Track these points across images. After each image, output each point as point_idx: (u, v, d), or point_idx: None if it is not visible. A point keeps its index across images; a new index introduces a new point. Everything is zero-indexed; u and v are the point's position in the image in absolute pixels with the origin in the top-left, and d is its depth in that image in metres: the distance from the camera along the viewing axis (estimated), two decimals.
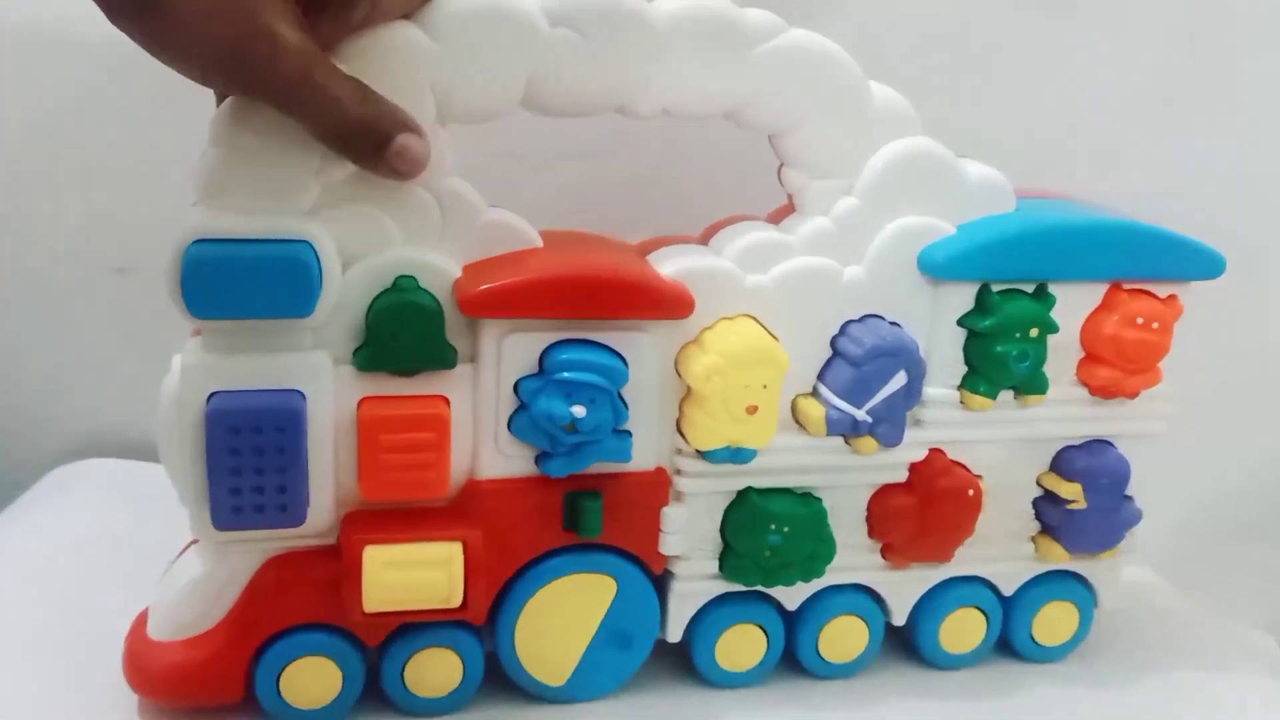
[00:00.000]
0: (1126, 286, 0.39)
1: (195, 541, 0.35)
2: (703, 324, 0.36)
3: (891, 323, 0.37)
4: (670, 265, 0.36)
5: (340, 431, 0.33)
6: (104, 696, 0.36)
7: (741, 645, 0.39)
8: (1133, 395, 0.40)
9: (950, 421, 0.38)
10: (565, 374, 0.33)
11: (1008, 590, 0.42)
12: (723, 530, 0.38)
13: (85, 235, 0.52)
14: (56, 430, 0.55)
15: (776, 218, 0.38)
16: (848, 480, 0.38)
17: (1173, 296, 0.39)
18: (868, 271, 0.37)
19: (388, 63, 0.32)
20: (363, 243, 0.33)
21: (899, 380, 0.37)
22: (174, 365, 0.33)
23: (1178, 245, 0.39)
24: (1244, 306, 0.48)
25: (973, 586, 0.41)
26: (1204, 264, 0.39)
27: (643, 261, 0.36)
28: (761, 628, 0.39)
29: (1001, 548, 0.41)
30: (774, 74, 0.35)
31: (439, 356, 0.34)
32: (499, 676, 0.38)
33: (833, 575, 0.39)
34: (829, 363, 0.37)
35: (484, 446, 0.35)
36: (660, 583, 0.38)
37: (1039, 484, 0.41)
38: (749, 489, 0.37)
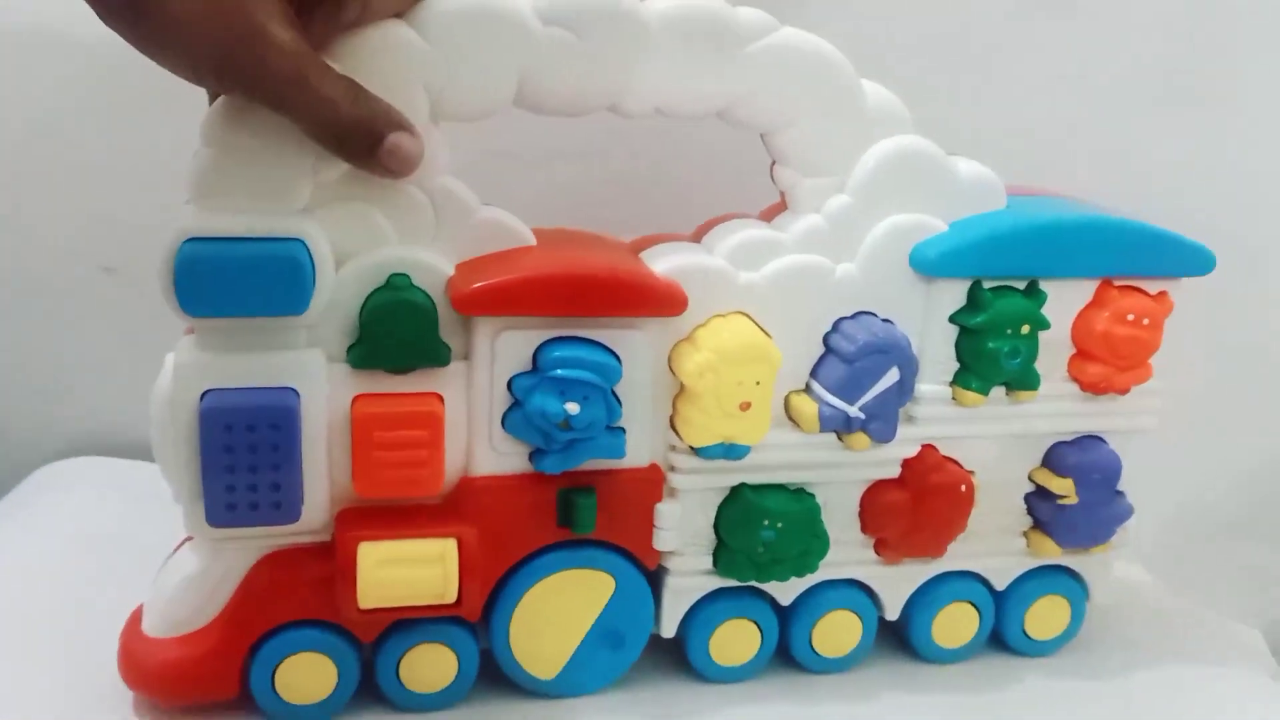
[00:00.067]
0: (1117, 283, 0.39)
1: (189, 539, 0.35)
2: (696, 321, 0.36)
3: (884, 319, 0.37)
4: (663, 263, 0.36)
5: (334, 429, 0.34)
6: (97, 693, 0.36)
7: (735, 640, 0.40)
8: (1124, 391, 0.40)
9: (942, 418, 0.39)
10: (559, 371, 0.34)
11: (1000, 585, 0.42)
12: (716, 526, 0.38)
13: (73, 234, 0.52)
14: (44, 428, 0.55)
15: (769, 215, 0.38)
16: (841, 476, 0.38)
17: (1163, 293, 0.39)
18: (860, 269, 0.37)
19: (380, 62, 0.32)
20: (356, 241, 0.33)
21: (891, 377, 0.37)
22: (167, 363, 0.33)
23: (1168, 242, 0.39)
24: (1233, 304, 0.48)
25: (965, 581, 0.41)
26: (1194, 261, 0.39)
27: (636, 259, 0.36)
28: (755, 623, 0.40)
29: (994, 543, 0.41)
30: (766, 73, 0.35)
31: (433, 354, 0.34)
32: (494, 672, 0.38)
33: (826, 570, 0.39)
34: (822, 359, 0.37)
35: (478, 444, 0.35)
36: (655, 580, 0.38)
37: (1031, 479, 0.41)
38: (742, 485, 0.38)
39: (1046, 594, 0.42)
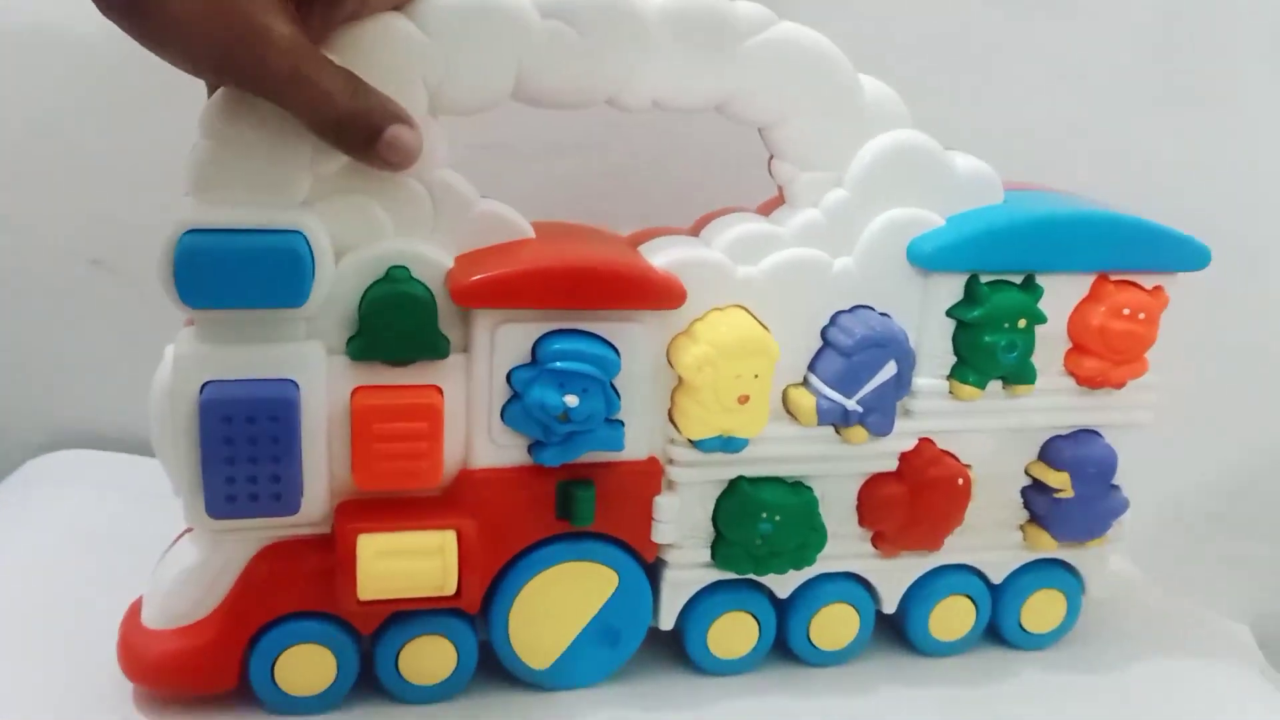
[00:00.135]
0: (1113, 278, 0.39)
1: (189, 530, 0.36)
2: (694, 315, 0.36)
3: (881, 313, 0.38)
4: (661, 256, 0.36)
5: (333, 421, 0.34)
6: (92, 686, 0.36)
7: (734, 633, 0.40)
8: (1119, 385, 0.40)
9: (940, 411, 0.39)
10: (558, 364, 0.34)
11: (996, 578, 0.42)
12: (715, 519, 0.38)
13: (63, 228, 0.52)
14: (33, 422, 0.54)
15: (766, 210, 0.39)
16: (838, 469, 0.39)
17: (1159, 288, 0.39)
18: (857, 263, 0.37)
19: (379, 55, 0.32)
20: (355, 233, 0.33)
21: (889, 370, 0.37)
22: (167, 355, 0.33)
23: (1164, 237, 0.39)
24: (1228, 302, 0.48)
25: (962, 575, 0.42)
26: (1189, 256, 0.39)
27: (634, 253, 0.37)
28: (753, 615, 0.40)
29: (990, 536, 0.41)
30: (764, 67, 0.35)
31: (432, 346, 0.34)
32: (493, 665, 0.38)
33: (824, 563, 0.39)
34: (819, 353, 0.38)
35: (477, 436, 0.35)
36: (653, 573, 0.39)
37: (1027, 473, 0.41)
38: (740, 478, 0.38)
39: (1043, 588, 0.43)
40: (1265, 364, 0.55)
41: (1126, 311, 0.39)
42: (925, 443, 0.39)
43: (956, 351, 0.39)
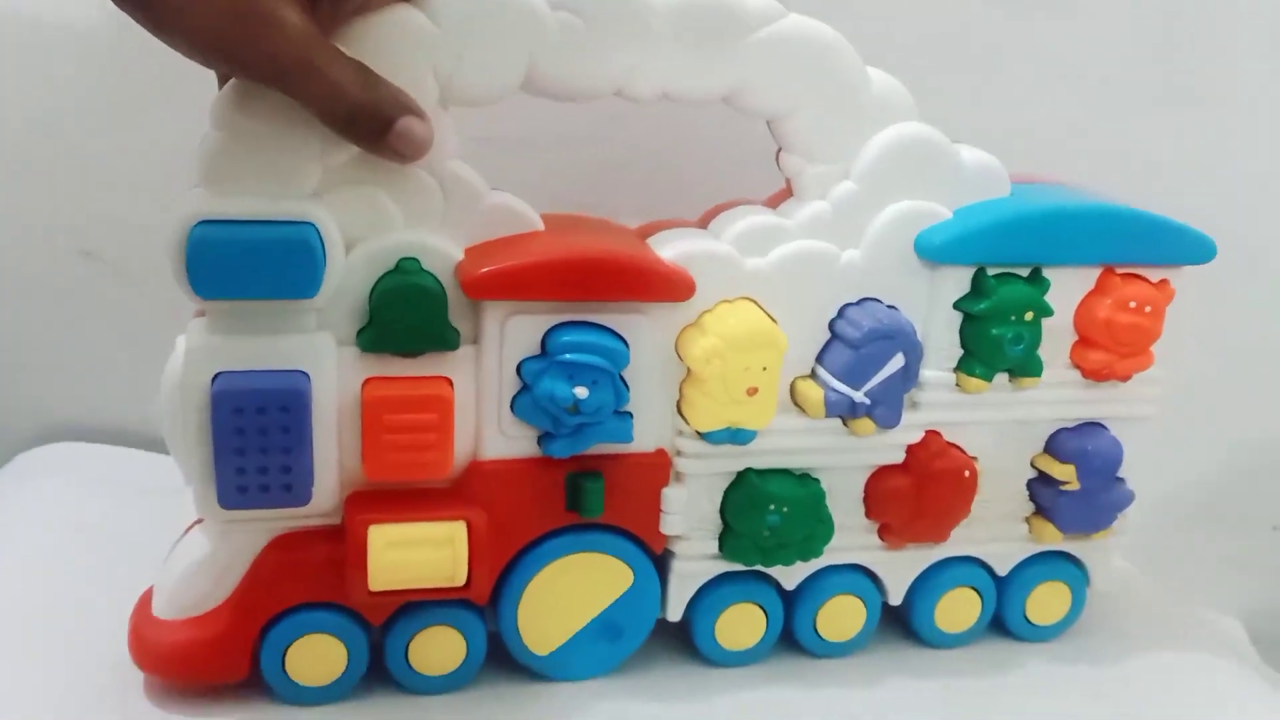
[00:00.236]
0: (1120, 271, 0.39)
1: (199, 521, 0.36)
2: (703, 307, 0.36)
3: (889, 306, 0.38)
4: (671, 249, 0.36)
5: (344, 412, 0.34)
6: (91, 681, 0.36)
7: (741, 624, 0.40)
8: (1125, 378, 0.40)
9: (946, 404, 0.39)
10: (568, 355, 0.34)
11: (1002, 570, 0.42)
12: (722, 511, 0.38)
13: (52, 220, 0.51)
14: (24, 414, 0.54)
15: (774, 202, 0.39)
16: (845, 461, 0.39)
17: (1165, 281, 0.40)
18: (865, 255, 0.37)
19: (389, 46, 0.32)
20: (365, 225, 0.33)
21: (896, 362, 0.37)
22: (178, 346, 0.33)
23: (1170, 230, 0.39)
24: (1223, 300, 0.48)
25: (968, 567, 0.42)
26: (1195, 249, 0.39)
27: (643, 245, 0.37)
28: (761, 607, 0.40)
29: (996, 528, 0.41)
30: (772, 59, 0.35)
31: (442, 338, 0.34)
32: (502, 656, 0.38)
33: (830, 555, 0.39)
34: (827, 345, 0.38)
35: (487, 427, 0.35)
36: (661, 565, 0.39)
37: (1033, 466, 0.41)
38: (748, 470, 0.38)
39: (1048, 580, 0.43)
40: (1258, 361, 0.55)
41: (1133, 304, 0.39)
42: (932, 435, 0.39)
43: (963, 344, 0.39)
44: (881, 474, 0.39)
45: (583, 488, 0.36)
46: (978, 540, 0.41)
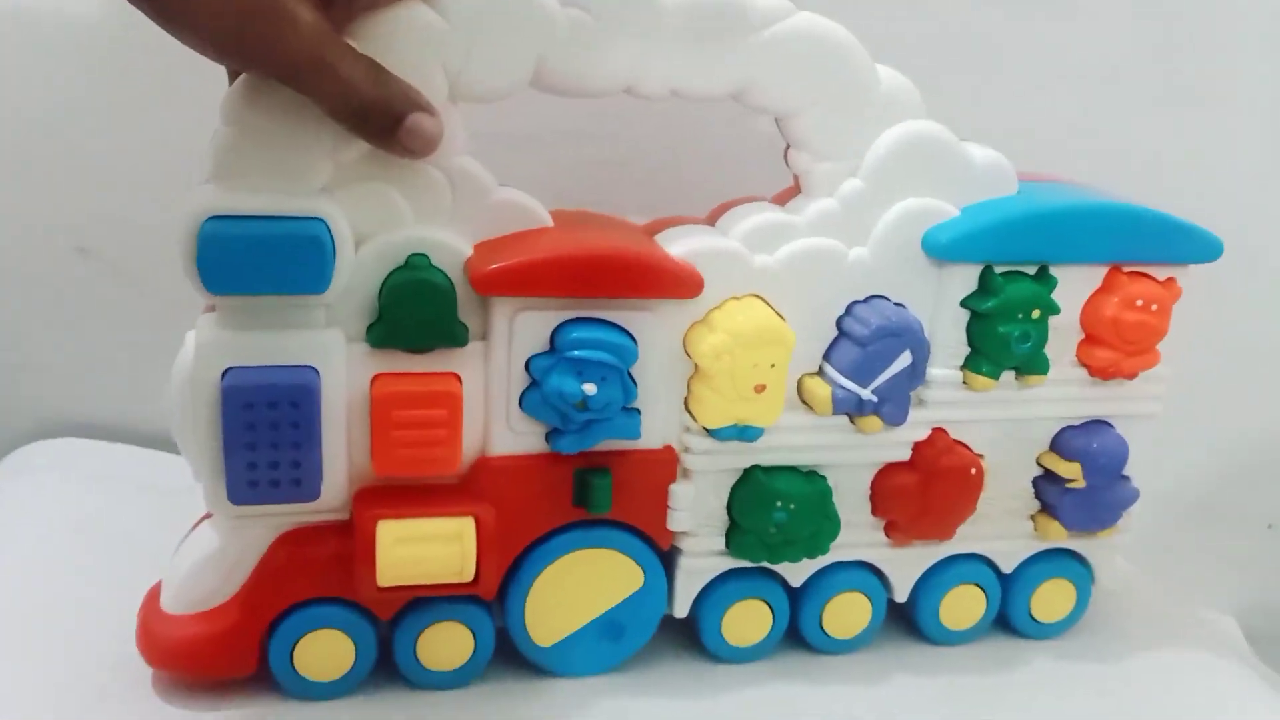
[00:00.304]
0: (1126, 269, 0.39)
1: (207, 516, 0.36)
2: (711, 304, 0.36)
3: (896, 303, 0.38)
4: (679, 245, 0.36)
5: (353, 408, 0.34)
6: (80, 671, 0.36)
7: (747, 620, 0.40)
8: (1131, 376, 0.40)
9: (953, 401, 0.39)
10: (577, 352, 0.34)
11: (1007, 568, 0.42)
12: (729, 507, 0.38)
13: (47, 216, 0.51)
14: (21, 410, 0.54)
15: (782, 199, 0.39)
16: (852, 459, 0.39)
17: (1171, 279, 0.40)
18: (873, 253, 0.37)
19: (400, 42, 0.32)
20: (375, 221, 0.33)
21: (904, 360, 0.37)
22: (188, 341, 0.33)
23: (1177, 229, 0.39)
24: (1220, 298, 0.48)
25: (973, 564, 0.42)
26: (1202, 247, 0.39)
27: (652, 242, 0.37)
28: (767, 603, 0.40)
29: (1001, 526, 0.42)
30: (781, 57, 0.35)
31: (451, 334, 0.34)
32: (510, 651, 0.38)
33: (837, 552, 0.39)
34: (835, 343, 0.38)
35: (495, 423, 0.35)
36: (668, 562, 0.39)
37: (1039, 463, 0.41)
38: (755, 467, 0.38)
39: (1052, 577, 0.43)
40: (1254, 360, 0.55)
41: (1139, 303, 0.39)
42: (938, 432, 0.39)
43: (970, 342, 0.39)
44: (888, 471, 0.39)
45: (590, 484, 0.36)
46: (983, 537, 0.42)
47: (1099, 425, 0.41)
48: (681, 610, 0.39)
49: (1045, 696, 0.40)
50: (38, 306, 0.53)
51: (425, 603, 0.36)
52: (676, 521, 0.38)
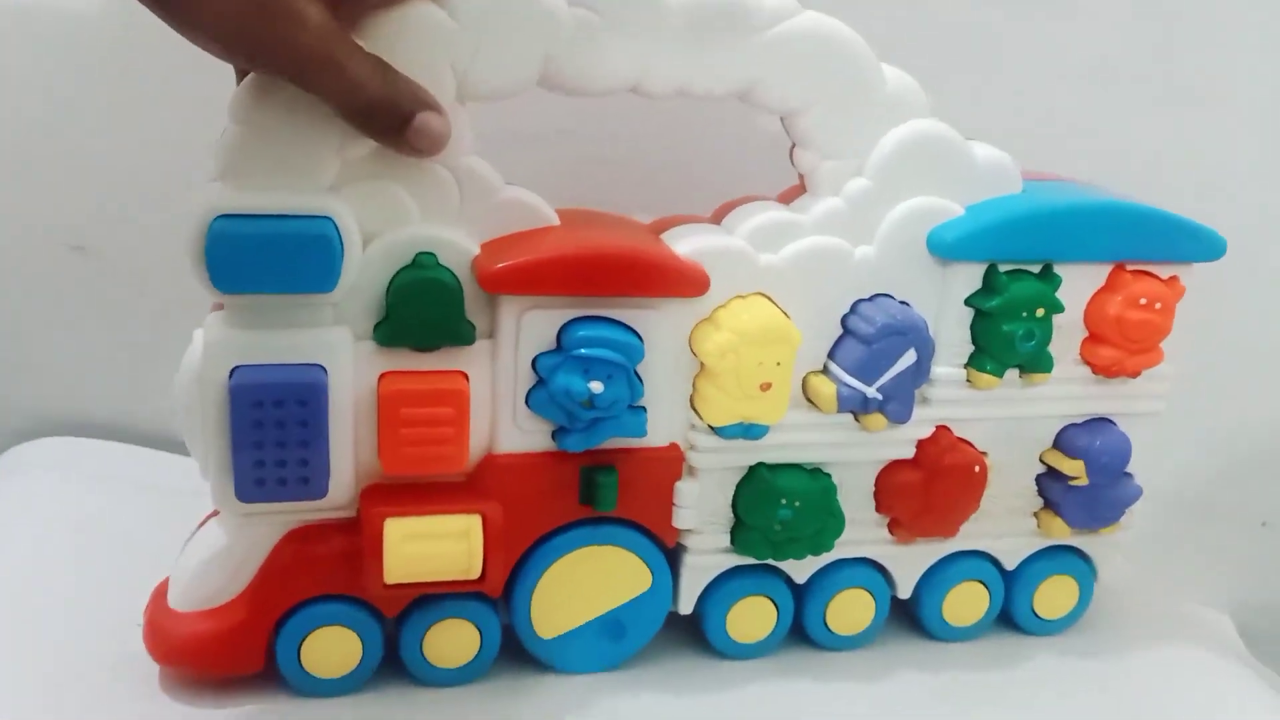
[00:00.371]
0: (1130, 268, 0.39)
1: (214, 513, 0.36)
2: (716, 302, 0.36)
3: (901, 302, 0.38)
4: (685, 244, 0.36)
5: (360, 406, 0.34)
6: (77, 669, 0.36)
7: (752, 617, 0.40)
8: (1134, 375, 0.41)
9: (957, 399, 0.39)
10: (583, 350, 0.34)
11: (1010, 565, 0.43)
12: (734, 505, 0.38)
13: (45, 214, 0.51)
14: (15, 409, 0.54)
15: (787, 198, 0.39)
16: (857, 456, 0.39)
17: (1174, 278, 0.40)
18: (878, 251, 0.37)
19: (408, 41, 0.32)
20: (382, 219, 0.33)
21: (908, 358, 0.37)
22: (196, 340, 0.33)
23: (1180, 227, 0.39)
24: (1219, 298, 0.48)
25: (976, 561, 0.42)
26: (1205, 246, 0.40)
27: (658, 240, 0.37)
28: (771, 600, 0.40)
29: (1005, 523, 0.42)
30: (787, 56, 0.35)
31: (458, 332, 0.34)
32: (516, 648, 0.38)
33: (841, 549, 0.40)
34: (840, 341, 0.38)
35: (502, 421, 0.35)
36: (673, 559, 0.39)
37: (1042, 461, 0.42)
38: (760, 464, 0.38)
39: (1055, 574, 0.43)
40: (1249, 358, 0.55)
41: (1143, 301, 0.39)
42: (942, 430, 0.40)
43: (975, 340, 0.39)
44: (892, 469, 0.40)
45: (597, 481, 0.36)
46: (986, 534, 0.42)
47: (1102, 423, 0.41)
48: (686, 607, 0.39)
49: (1047, 693, 0.41)
50: (37, 306, 0.53)
51: (431, 600, 0.36)
52: (682, 519, 0.38)
